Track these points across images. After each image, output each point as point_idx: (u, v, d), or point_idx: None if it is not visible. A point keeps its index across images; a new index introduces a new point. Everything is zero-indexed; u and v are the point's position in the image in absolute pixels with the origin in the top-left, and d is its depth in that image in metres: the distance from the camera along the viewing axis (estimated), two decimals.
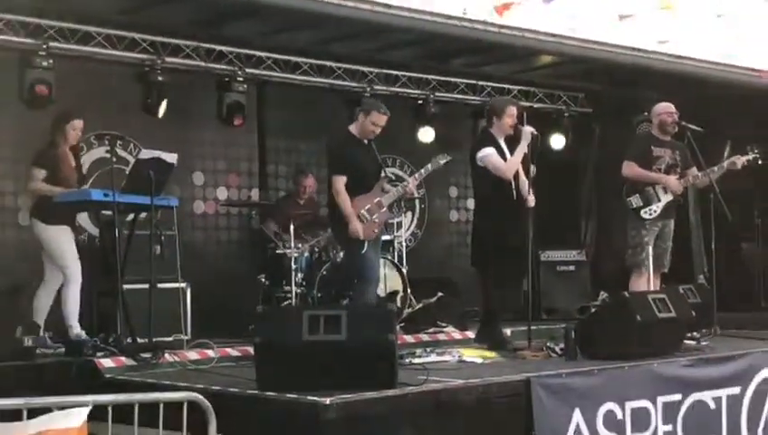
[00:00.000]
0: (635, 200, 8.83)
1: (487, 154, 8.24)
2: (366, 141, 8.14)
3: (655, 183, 8.80)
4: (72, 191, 8.02)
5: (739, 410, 7.38)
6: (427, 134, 11.71)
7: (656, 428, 6.76)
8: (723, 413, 7.24)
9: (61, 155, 7.96)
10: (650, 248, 8.78)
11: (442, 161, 8.57)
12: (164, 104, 9.78)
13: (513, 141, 8.36)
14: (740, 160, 8.87)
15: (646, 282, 8.76)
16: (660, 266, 8.93)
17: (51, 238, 7.89)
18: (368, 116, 8.06)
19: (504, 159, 8.26)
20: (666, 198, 8.83)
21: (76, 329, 7.84)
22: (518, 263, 8.23)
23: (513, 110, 8.40)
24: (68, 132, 8.01)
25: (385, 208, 8.20)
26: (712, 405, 7.17)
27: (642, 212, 8.81)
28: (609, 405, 6.51)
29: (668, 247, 8.99)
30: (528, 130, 8.22)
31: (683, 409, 6.96)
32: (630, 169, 8.86)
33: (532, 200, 8.18)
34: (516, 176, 8.26)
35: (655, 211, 8.81)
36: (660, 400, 6.82)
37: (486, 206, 8.42)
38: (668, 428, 6.84)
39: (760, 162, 8.91)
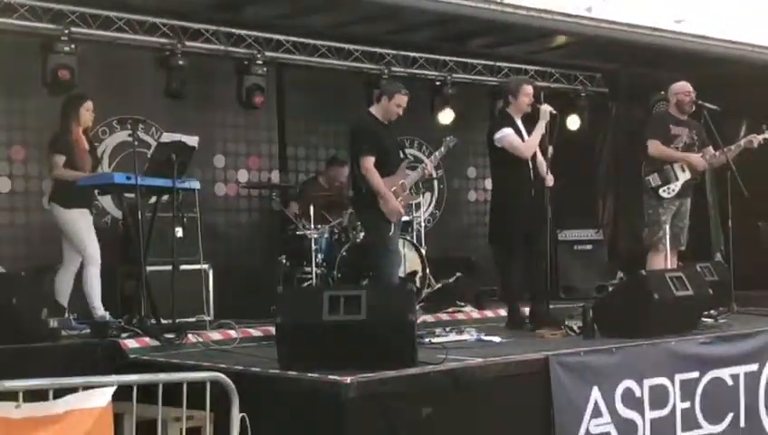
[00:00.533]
0: (653, 179, 8.86)
1: (505, 135, 8.26)
2: (387, 123, 8.20)
3: (677, 161, 8.83)
4: (95, 175, 8.12)
5: (757, 386, 7.39)
6: (445, 115, 11.73)
7: (674, 405, 6.79)
8: (741, 390, 7.26)
9: (75, 139, 8.02)
10: (667, 227, 8.82)
11: (451, 144, 8.61)
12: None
13: (531, 121, 8.38)
14: (756, 139, 8.90)
15: (663, 260, 8.80)
16: (677, 245, 8.98)
17: (69, 222, 7.97)
18: (392, 99, 8.11)
19: (522, 139, 8.29)
20: (684, 177, 8.87)
21: (100, 310, 7.94)
22: (537, 242, 8.23)
23: (528, 89, 8.41)
24: (82, 114, 8.08)
25: (408, 190, 8.27)
26: (730, 382, 7.19)
27: (661, 191, 8.84)
28: (628, 383, 6.54)
29: (685, 226, 9.03)
30: (546, 108, 8.23)
31: (700, 386, 6.99)
32: (656, 147, 8.87)
33: (550, 180, 8.21)
34: (534, 156, 8.29)
35: (673, 190, 8.84)
36: (678, 377, 6.85)
37: (504, 186, 8.45)
38: (686, 405, 6.87)
39: None
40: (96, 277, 7.97)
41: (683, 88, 9.02)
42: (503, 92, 8.76)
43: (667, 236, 8.80)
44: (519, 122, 8.39)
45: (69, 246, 8.06)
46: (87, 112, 8.13)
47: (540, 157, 8.29)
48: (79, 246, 7.98)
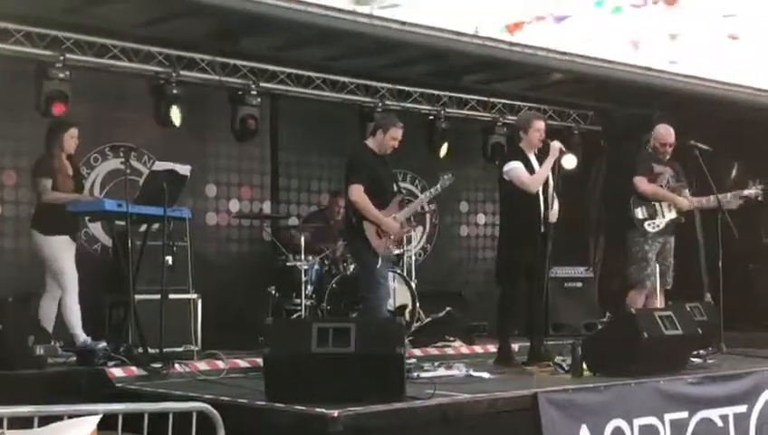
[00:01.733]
0: (641, 211, 8.93)
1: (513, 168, 8.22)
2: (382, 156, 8.18)
3: (665, 200, 8.89)
4: (85, 201, 8.11)
5: (747, 427, 7.38)
6: (437, 150, 11.76)
7: None
8: (731, 431, 7.24)
9: (59, 164, 8.03)
10: (654, 264, 8.86)
11: (447, 183, 8.53)
12: (175, 111, 9.81)
13: (543, 156, 8.32)
14: (745, 193, 9.00)
15: (644, 299, 8.86)
16: (664, 284, 9.03)
17: (48, 249, 7.95)
18: (387, 132, 8.08)
19: (534, 172, 8.28)
20: (669, 215, 8.97)
21: (81, 337, 7.92)
22: (538, 278, 8.14)
23: (539, 124, 8.35)
24: (65, 141, 8.09)
25: (399, 225, 8.24)
26: (720, 423, 7.18)
27: (646, 224, 8.92)
28: (617, 422, 6.52)
29: (671, 264, 9.08)
30: (557, 145, 8.22)
31: (690, 426, 6.96)
32: (644, 183, 8.96)
33: (554, 215, 8.21)
34: (546, 191, 8.24)
35: (658, 226, 8.92)
36: (668, 417, 6.83)
37: (514, 220, 8.39)
38: None
39: (760, 199, 9.04)
40: (75, 304, 7.94)
41: (664, 137, 9.11)
42: (514, 128, 8.77)
43: (657, 274, 8.82)
44: (531, 157, 8.35)
45: (50, 273, 8.04)
46: (71, 139, 8.14)
47: (551, 192, 8.25)
48: (56, 274, 7.95)
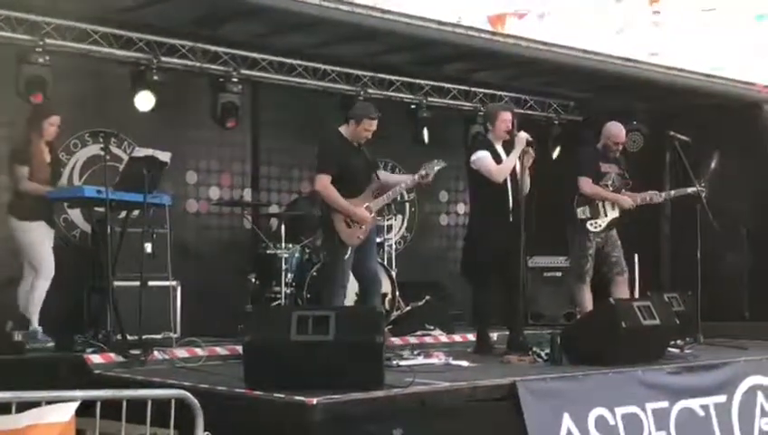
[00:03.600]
0: (584, 211, 9.02)
1: (480, 157, 8.28)
2: (356, 144, 8.13)
3: (608, 200, 8.97)
4: (65, 188, 8.07)
5: (729, 417, 7.42)
6: (418, 138, 11.77)
7: (650, 434, 6.81)
8: (713, 421, 7.29)
9: (35, 151, 7.98)
10: (593, 260, 8.99)
11: (436, 167, 8.21)
12: (145, 95, 9.72)
13: (510, 147, 8.38)
14: (689, 191, 9.18)
15: (590, 290, 9.01)
16: (621, 272, 9.11)
17: (25, 235, 7.91)
18: (359, 124, 8.01)
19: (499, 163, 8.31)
20: (612, 214, 9.08)
21: (34, 324, 7.86)
22: (511, 268, 8.15)
23: (506, 115, 8.44)
24: (45, 128, 8.05)
25: (373, 214, 8.18)
26: (701, 413, 7.22)
27: (588, 224, 9.00)
28: (600, 410, 6.55)
29: (620, 253, 9.15)
30: (523, 136, 8.25)
31: (672, 416, 7.01)
32: (588, 185, 9.03)
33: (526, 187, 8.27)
34: (516, 182, 8.29)
35: (600, 225, 9.01)
36: (649, 406, 6.88)
37: (482, 210, 8.45)
38: (662, 434, 6.90)
39: (704, 195, 9.14)
40: (42, 291, 7.89)
41: (617, 136, 9.17)
42: (482, 119, 8.80)
43: (592, 269, 8.99)
44: (499, 148, 8.39)
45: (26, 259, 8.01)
46: (51, 127, 8.09)
47: (525, 182, 8.29)
48: (33, 261, 7.91)
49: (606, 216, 9.03)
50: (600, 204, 9.02)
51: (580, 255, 9.03)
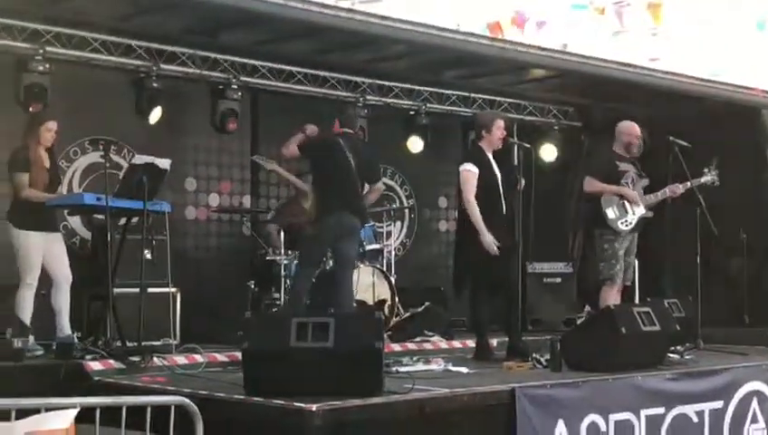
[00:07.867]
0: (612, 211, 8.93)
1: (466, 168, 8.30)
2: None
3: (613, 194, 8.92)
4: (65, 195, 8.07)
5: (721, 424, 7.41)
6: (417, 145, 11.79)
7: None
8: (705, 427, 7.27)
9: (33, 157, 7.96)
10: (623, 261, 8.93)
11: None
12: (156, 111, 9.82)
13: (502, 154, 8.41)
14: (702, 180, 9.09)
15: (617, 294, 8.93)
16: (626, 280, 9.08)
17: (20, 242, 7.88)
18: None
19: (493, 172, 8.32)
20: (639, 211, 8.97)
21: (66, 330, 7.86)
22: (508, 269, 8.19)
23: (501, 123, 8.46)
24: (42, 134, 8.01)
25: None
26: (695, 419, 7.20)
27: (619, 223, 8.91)
28: (593, 417, 6.53)
29: (633, 262, 9.14)
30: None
31: (666, 422, 6.99)
32: (591, 184, 8.99)
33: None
34: (514, 191, 8.32)
35: (630, 223, 8.92)
36: (643, 413, 6.85)
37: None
38: None
39: (716, 184, 9.11)
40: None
41: (633, 130, 9.12)
42: (475, 126, 8.77)
43: (622, 270, 8.91)
44: (490, 156, 8.41)
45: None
46: (48, 133, 8.05)
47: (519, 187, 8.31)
48: (19, 267, 7.88)
49: (634, 213, 8.94)
50: (626, 202, 8.94)
51: (610, 255, 8.92)
